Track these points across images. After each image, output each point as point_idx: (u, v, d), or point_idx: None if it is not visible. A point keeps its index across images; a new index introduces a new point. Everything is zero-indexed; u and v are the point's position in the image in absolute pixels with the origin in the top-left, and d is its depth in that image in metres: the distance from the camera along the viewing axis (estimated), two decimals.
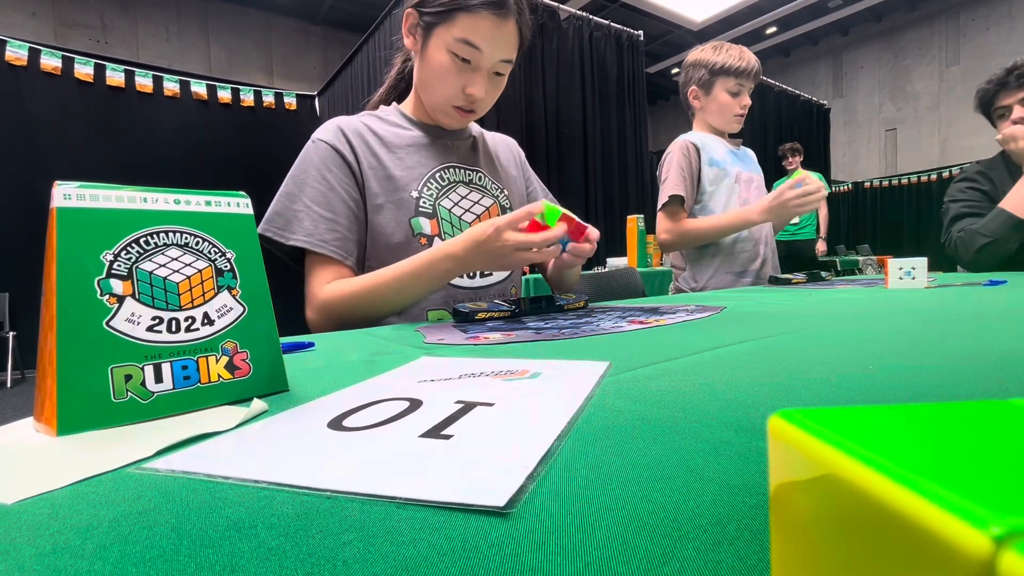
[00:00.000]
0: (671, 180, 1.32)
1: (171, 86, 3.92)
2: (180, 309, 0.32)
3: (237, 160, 4.08)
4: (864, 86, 8.21)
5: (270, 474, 0.20)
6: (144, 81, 3.82)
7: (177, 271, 0.32)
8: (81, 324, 0.28)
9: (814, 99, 6.12)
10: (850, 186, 7.69)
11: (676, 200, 1.31)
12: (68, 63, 3.55)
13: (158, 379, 0.30)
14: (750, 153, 1.50)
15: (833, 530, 0.08)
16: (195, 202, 0.33)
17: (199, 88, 4.03)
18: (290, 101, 4.40)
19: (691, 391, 0.31)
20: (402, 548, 0.15)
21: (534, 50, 3.46)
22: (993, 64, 1.52)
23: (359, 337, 0.61)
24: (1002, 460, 0.07)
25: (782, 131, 5.57)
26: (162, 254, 0.32)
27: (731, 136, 1.45)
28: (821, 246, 3.64)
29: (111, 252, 0.30)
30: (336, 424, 0.26)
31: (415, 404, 0.29)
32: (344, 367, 0.44)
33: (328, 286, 0.75)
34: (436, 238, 0.81)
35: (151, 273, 0.31)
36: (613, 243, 3.76)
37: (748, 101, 1.38)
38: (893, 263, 0.99)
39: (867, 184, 7.79)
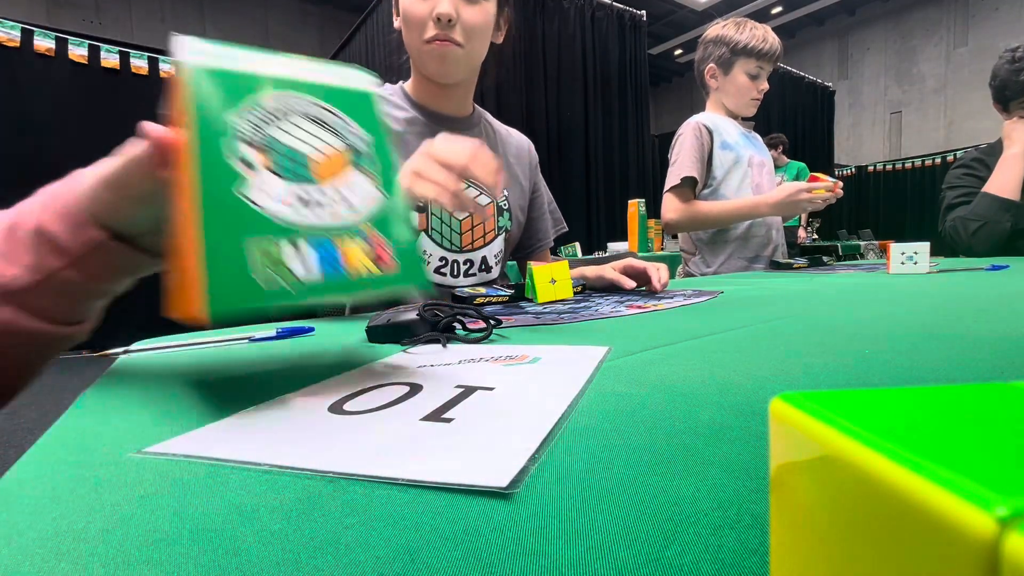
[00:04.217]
0: (683, 161, 1.28)
1: (167, 68, 3.86)
2: (316, 186, 0.28)
3: None
4: (870, 68, 8.09)
5: (272, 457, 0.20)
6: (139, 63, 3.76)
7: (310, 144, 0.28)
8: (215, 193, 0.25)
9: (819, 81, 6.03)
10: (853, 170, 7.63)
11: (688, 182, 1.28)
12: (62, 44, 3.49)
13: (300, 261, 0.27)
14: (758, 137, 1.47)
15: (835, 513, 0.08)
16: (327, 73, 0.29)
17: None
18: None
19: (690, 375, 0.31)
20: (404, 532, 0.15)
21: (534, 31, 3.40)
22: (1002, 46, 1.48)
23: (358, 322, 0.61)
24: (1005, 442, 0.07)
25: (786, 114, 5.50)
26: (295, 125, 0.28)
27: (744, 120, 1.42)
28: (802, 233, 3.66)
29: (242, 116, 0.27)
30: (337, 408, 0.26)
31: (415, 388, 0.29)
32: (344, 352, 0.44)
33: None
34: (423, 233, 0.80)
35: (284, 143, 0.28)
36: (613, 228, 3.74)
37: (766, 86, 1.32)
38: (895, 248, 0.99)
39: (871, 168, 7.72)
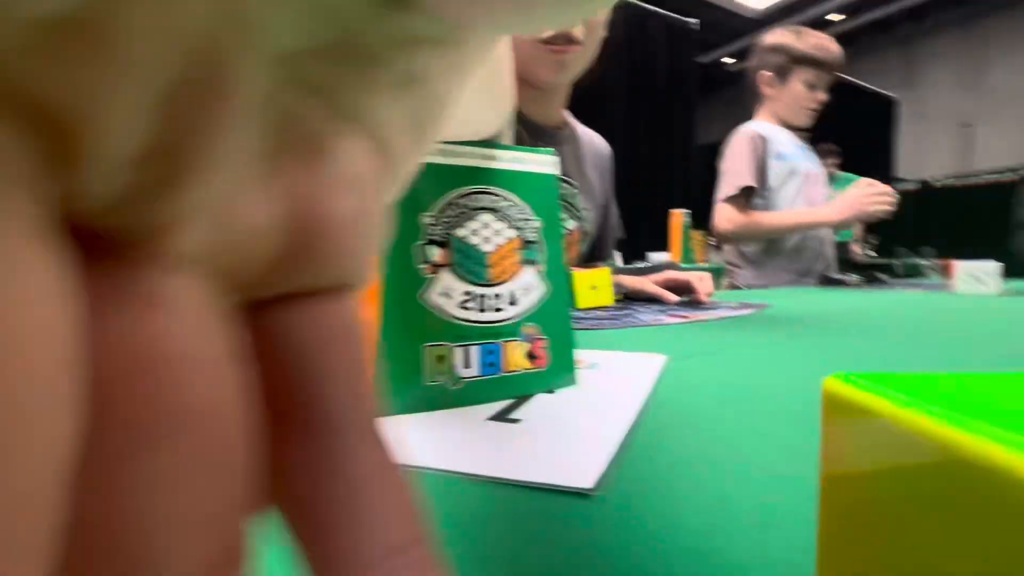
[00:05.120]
0: (740, 170, 1.24)
1: None
2: (489, 285, 0.28)
3: None
4: (937, 78, 7.64)
5: None
6: None
7: (488, 240, 0.28)
8: (401, 296, 0.25)
9: (881, 91, 5.75)
10: (917, 185, 7.21)
11: (745, 191, 1.24)
12: None
13: (466, 364, 0.27)
14: (811, 149, 1.42)
15: (903, 492, 0.07)
16: (507, 159, 0.29)
17: None
18: None
19: (734, 384, 0.31)
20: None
21: None
22: None
23: None
24: None
25: (843, 124, 5.27)
26: (475, 219, 0.28)
27: (799, 131, 1.37)
28: (857, 249, 3.45)
29: (431, 214, 0.26)
30: None
31: None
32: None
33: None
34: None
35: (464, 240, 0.27)
36: (655, 238, 3.68)
37: (824, 96, 1.27)
38: (962, 266, 0.93)
39: (936, 183, 7.28)
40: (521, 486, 0.17)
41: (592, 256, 0.92)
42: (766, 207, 1.28)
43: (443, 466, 0.19)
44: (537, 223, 0.30)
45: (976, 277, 0.91)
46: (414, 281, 0.26)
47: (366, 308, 0.25)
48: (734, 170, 1.26)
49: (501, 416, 0.25)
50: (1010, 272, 1.16)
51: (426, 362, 0.25)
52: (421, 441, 0.22)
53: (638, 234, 3.80)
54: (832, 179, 3.57)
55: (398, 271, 0.26)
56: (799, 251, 1.30)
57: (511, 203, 0.29)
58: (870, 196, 1.14)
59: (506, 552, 0.14)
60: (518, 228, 0.29)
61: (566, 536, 0.14)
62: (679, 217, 2.67)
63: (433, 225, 0.26)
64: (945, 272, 1.23)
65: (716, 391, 0.29)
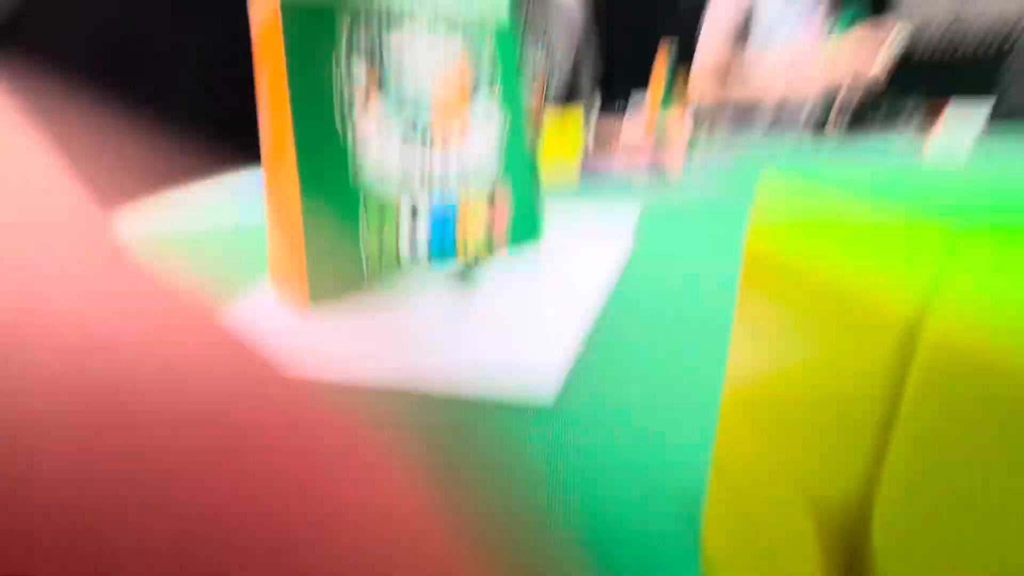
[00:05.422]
0: (716, 40, 1.14)
1: None
2: (433, 114, 0.23)
3: None
4: None
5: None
6: None
7: (427, 51, 0.22)
8: (320, 135, 0.20)
9: None
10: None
11: (723, 62, 1.15)
12: None
13: (412, 232, 0.23)
14: None
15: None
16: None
17: None
18: None
19: (705, 267, 0.30)
20: None
21: None
22: None
23: None
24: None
25: None
26: (410, 23, 0.21)
27: None
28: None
29: (349, 15, 0.20)
30: None
31: None
32: None
33: None
34: None
35: (397, 53, 0.21)
36: (640, 73, 3.38)
37: None
38: (948, 116, 0.88)
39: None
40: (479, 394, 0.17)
41: (568, 95, 0.85)
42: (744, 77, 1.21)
43: (388, 379, 0.18)
44: (489, 30, 0.23)
45: (954, 137, 0.88)
46: (338, 139, 0.20)
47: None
48: (710, 41, 1.16)
49: (454, 295, 0.23)
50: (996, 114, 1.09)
51: (365, 232, 0.21)
52: (363, 343, 0.20)
53: (619, 71, 3.47)
54: (832, 21, 3.18)
55: (318, 132, 0.20)
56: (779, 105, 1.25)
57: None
58: (861, 54, 1.07)
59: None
60: (464, 37, 0.23)
61: (525, 455, 0.14)
62: (663, 55, 2.41)
63: (354, 30, 0.20)
64: (930, 121, 1.13)
65: (688, 276, 0.28)
